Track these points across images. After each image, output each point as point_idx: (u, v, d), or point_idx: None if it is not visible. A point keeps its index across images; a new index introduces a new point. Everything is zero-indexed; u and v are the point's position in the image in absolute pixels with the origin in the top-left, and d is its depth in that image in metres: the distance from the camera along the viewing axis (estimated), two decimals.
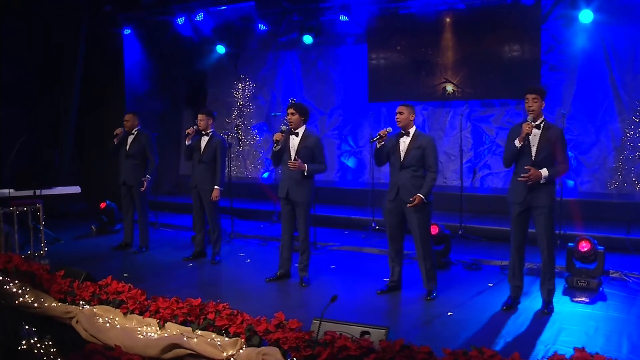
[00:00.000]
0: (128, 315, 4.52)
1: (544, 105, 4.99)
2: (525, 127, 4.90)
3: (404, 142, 5.45)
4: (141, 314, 4.47)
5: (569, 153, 8.94)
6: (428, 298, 5.50)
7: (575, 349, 3.35)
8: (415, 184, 5.38)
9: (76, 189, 8.53)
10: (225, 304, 4.25)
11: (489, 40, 9.23)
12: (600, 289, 5.66)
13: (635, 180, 8.52)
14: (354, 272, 6.62)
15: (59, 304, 4.87)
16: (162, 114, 10.91)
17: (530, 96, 4.96)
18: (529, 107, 4.95)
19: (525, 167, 4.93)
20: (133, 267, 6.93)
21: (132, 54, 10.63)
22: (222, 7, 9.84)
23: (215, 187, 6.84)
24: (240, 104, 11.69)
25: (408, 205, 5.35)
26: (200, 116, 6.92)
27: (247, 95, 11.65)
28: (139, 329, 4.34)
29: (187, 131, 6.94)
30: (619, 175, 8.65)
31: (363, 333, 3.74)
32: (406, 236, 5.68)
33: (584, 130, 8.95)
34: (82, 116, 10.32)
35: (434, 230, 6.48)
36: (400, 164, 5.43)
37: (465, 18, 9.36)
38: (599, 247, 5.82)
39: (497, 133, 9.52)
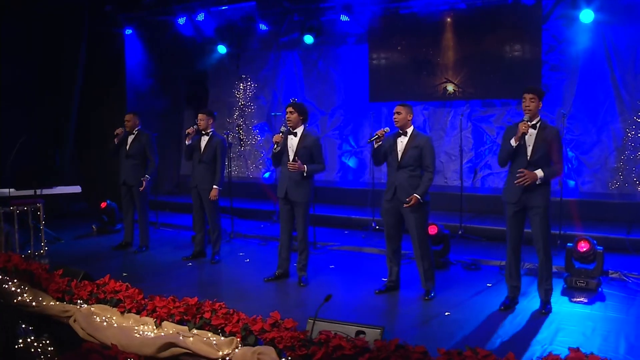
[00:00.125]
0: (125, 314, 4.53)
1: (540, 105, 5.00)
2: (521, 127, 4.90)
3: (402, 142, 5.45)
4: (138, 313, 4.49)
5: (570, 153, 8.95)
6: (426, 298, 5.50)
7: (570, 349, 3.34)
8: (412, 183, 5.38)
9: (77, 189, 8.57)
10: (221, 303, 4.26)
11: (490, 40, 9.21)
12: (599, 289, 5.64)
13: (636, 181, 8.48)
14: (353, 272, 6.61)
15: (57, 302, 4.89)
16: (163, 114, 10.92)
17: (528, 96, 4.96)
18: (526, 106, 4.95)
19: (519, 170, 4.92)
20: (133, 266, 6.95)
21: (134, 54, 10.65)
22: (223, 7, 9.85)
23: (214, 186, 6.85)
24: (241, 104, 11.71)
25: (404, 205, 5.35)
26: (200, 116, 6.94)
27: (248, 95, 11.66)
28: (136, 327, 4.36)
29: (187, 131, 6.96)
30: (620, 175, 8.62)
31: (358, 333, 3.74)
32: (404, 236, 5.68)
33: (585, 130, 8.92)
34: (83, 116, 10.34)
35: (433, 230, 6.47)
36: (397, 163, 5.43)
37: (466, 18, 9.35)
38: (598, 247, 5.80)
39: (498, 133, 9.50)
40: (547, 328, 4.73)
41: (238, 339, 3.90)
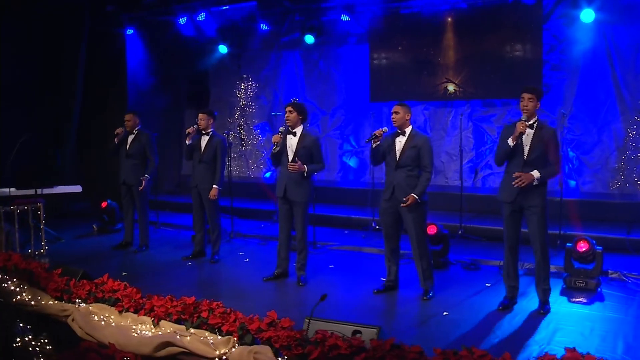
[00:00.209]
0: (123, 313, 4.52)
1: (539, 105, 4.99)
2: (519, 126, 4.90)
3: (400, 142, 5.45)
4: (136, 312, 4.48)
5: (571, 153, 8.93)
6: (424, 298, 5.49)
7: (566, 349, 3.32)
8: (410, 183, 5.38)
9: (77, 188, 8.58)
10: (219, 302, 4.25)
11: (491, 40, 9.20)
12: (599, 289, 5.62)
13: (637, 181, 8.46)
14: (353, 271, 6.61)
15: (56, 302, 4.89)
16: (164, 114, 10.94)
17: (526, 95, 4.96)
18: (524, 106, 4.95)
19: (515, 174, 4.91)
20: (133, 266, 6.96)
21: (135, 54, 10.67)
22: (224, 7, 9.88)
23: (214, 186, 6.85)
24: (242, 104, 11.72)
25: (402, 205, 5.35)
26: (200, 115, 6.94)
27: (249, 95, 11.67)
28: (134, 327, 4.35)
29: (187, 130, 6.97)
30: (621, 175, 8.60)
31: (355, 332, 3.74)
32: (403, 236, 5.68)
33: (585, 130, 8.90)
34: (84, 116, 10.35)
35: (432, 230, 6.47)
36: (395, 163, 5.43)
37: (467, 18, 9.34)
38: (598, 247, 5.79)
39: (499, 133, 9.43)
40: (545, 328, 4.72)
41: (235, 338, 3.90)
